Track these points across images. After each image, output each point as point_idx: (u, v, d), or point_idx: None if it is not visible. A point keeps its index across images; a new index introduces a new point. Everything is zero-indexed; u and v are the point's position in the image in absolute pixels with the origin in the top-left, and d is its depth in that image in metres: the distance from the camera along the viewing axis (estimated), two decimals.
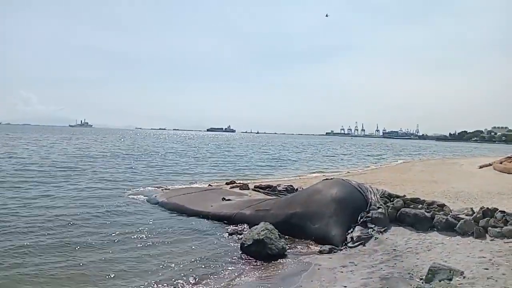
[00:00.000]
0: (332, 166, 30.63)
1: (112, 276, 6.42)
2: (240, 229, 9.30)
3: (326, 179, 11.37)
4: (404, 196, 9.99)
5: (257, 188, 14.32)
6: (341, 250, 7.83)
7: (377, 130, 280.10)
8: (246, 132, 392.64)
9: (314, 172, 24.45)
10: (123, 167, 22.90)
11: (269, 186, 14.38)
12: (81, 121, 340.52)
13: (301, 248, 8.04)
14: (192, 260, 7.26)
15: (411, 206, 9.18)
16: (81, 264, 6.89)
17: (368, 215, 8.85)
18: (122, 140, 70.57)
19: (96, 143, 52.32)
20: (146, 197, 13.27)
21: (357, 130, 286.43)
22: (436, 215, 8.51)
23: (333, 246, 7.92)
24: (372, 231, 8.44)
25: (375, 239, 8.12)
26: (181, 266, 6.94)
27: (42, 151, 33.13)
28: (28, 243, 7.78)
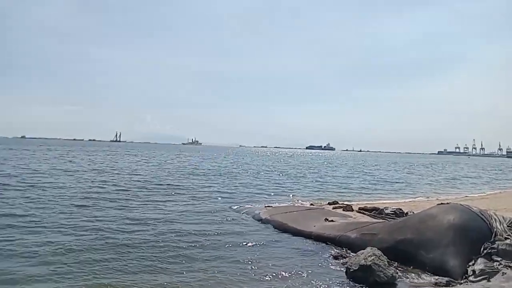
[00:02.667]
0: (446, 189, 27.93)
1: None
2: (344, 252, 8.99)
3: (441, 203, 10.38)
4: None
5: (362, 210, 13.72)
6: (461, 284, 7.01)
7: (500, 149, 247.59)
8: (347, 150, 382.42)
9: (425, 196, 22.57)
10: (227, 184, 24.04)
11: (375, 209, 13.66)
12: (192, 139, 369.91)
13: (413, 278, 7.40)
14: (297, 281, 7.19)
15: None
16: (189, 276, 7.29)
17: (493, 246, 7.79)
18: (226, 157, 74.43)
19: (203, 160, 56.05)
20: (250, 214, 13.66)
21: (475, 148, 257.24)
22: None
23: (451, 279, 7.14)
24: (499, 265, 7.40)
25: (503, 275, 7.09)
26: (285, 286, 6.92)
27: (151, 168, 36.64)
28: (144, 258, 8.36)
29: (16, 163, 33.92)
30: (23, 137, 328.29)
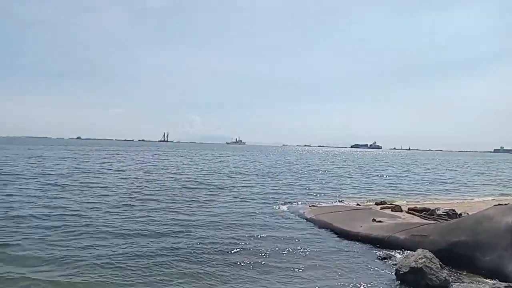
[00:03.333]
0: (504, 189, 26.23)
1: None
2: (393, 254, 8.71)
3: (499, 204, 9.77)
4: None
5: (412, 211, 13.20)
6: None
7: None
8: (394, 148, 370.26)
9: (480, 196, 21.33)
10: (270, 184, 24.08)
11: (425, 209, 13.10)
12: (236, 139, 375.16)
13: (467, 282, 7.02)
14: (344, 282, 7.07)
15: None
16: (236, 283, 7.26)
17: None
18: (269, 156, 74.60)
19: (247, 160, 56.54)
20: (294, 214, 13.61)
21: None
22: None
23: (510, 284, 6.69)
24: None
25: None
26: (331, 286, 6.81)
27: (196, 167, 37.48)
28: (190, 262, 8.38)
29: (70, 163, 36.12)
30: (78, 138, 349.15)
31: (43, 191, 17.14)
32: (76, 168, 30.45)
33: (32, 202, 14.24)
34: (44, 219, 11.47)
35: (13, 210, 12.53)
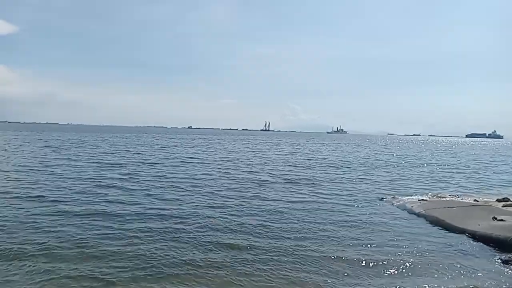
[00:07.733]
0: None
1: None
2: None
3: None
4: None
5: None
6: None
7: None
8: None
9: None
10: (377, 175, 23.24)
11: None
12: (337, 128, 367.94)
13: None
14: (462, 283, 6.69)
15: None
16: (334, 256, 7.58)
17: None
18: (372, 146, 71.62)
19: (346, 152, 55.18)
20: (401, 207, 13.09)
21: None
22: None
23: None
24: None
25: None
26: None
27: (296, 158, 37.63)
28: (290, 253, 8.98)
29: (174, 150, 39.58)
30: (189, 127, 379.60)
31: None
32: (176, 155, 33.45)
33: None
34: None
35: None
